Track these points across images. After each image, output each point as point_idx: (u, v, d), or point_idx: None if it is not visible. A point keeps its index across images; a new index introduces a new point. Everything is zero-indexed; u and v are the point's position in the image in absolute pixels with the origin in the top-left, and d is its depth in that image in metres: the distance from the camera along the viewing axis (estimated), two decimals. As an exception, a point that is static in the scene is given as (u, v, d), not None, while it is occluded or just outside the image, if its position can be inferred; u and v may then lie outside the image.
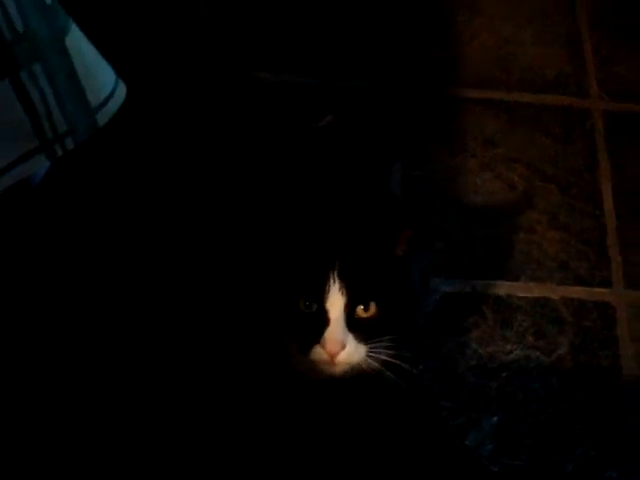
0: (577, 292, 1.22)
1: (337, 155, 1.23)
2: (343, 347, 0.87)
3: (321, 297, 0.88)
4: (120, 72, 0.89)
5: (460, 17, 1.47)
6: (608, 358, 1.17)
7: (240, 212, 1.06)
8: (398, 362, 0.92)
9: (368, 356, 0.89)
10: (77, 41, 0.82)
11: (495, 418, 1.10)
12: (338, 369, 0.89)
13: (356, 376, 0.91)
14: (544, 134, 1.36)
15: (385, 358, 0.91)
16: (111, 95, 0.86)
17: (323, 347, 0.87)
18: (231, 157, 1.13)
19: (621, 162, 1.35)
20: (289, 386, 0.93)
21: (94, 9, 1.03)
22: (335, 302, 0.88)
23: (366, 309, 0.89)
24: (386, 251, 0.92)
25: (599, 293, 1.23)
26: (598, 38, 1.47)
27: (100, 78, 0.86)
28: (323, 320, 0.88)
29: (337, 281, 0.88)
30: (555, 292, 1.22)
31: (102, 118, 0.86)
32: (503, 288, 1.21)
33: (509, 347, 1.16)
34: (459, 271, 1.22)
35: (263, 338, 0.95)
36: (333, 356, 0.87)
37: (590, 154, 1.35)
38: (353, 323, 0.88)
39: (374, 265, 0.90)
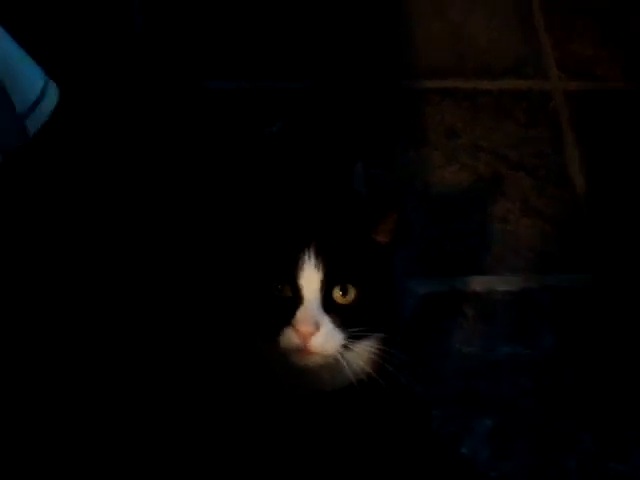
0: (558, 280, 1.17)
1: (295, 160, 1.18)
2: (317, 328, 0.79)
3: (294, 275, 0.80)
4: (55, 78, 0.80)
5: (408, 6, 1.41)
6: (597, 345, 1.12)
7: (208, 210, 1.01)
8: (382, 362, 0.85)
9: (345, 346, 0.81)
10: None
11: (488, 422, 1.05)
12: (312, 359, 0.81)
13: (340, 386, 0.84)
14: (506, 119, 1.31)
15: (368, 355, 0.84)
16: (41, 98, 0.76)
17: (295, 328, 0.79)
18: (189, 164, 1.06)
19: (587, 141, 1.30)
20: (268, 396, 0.87)
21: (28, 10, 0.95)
22: (310, 278, 0.80)
23: (344, 293, 0.81)
24: (366, 236, 0.85)
25: (581, 279, 1.17)
26: (551, 16, 1.43)
27: (26, 80, 0.76)
28: (296, 300, 0.80)
29: (313, 257, 0.80)
30: (536, 282, 1.17)
31: (33, 125, 0.77)
32: (482, 283, 1.16)
33: (494, 345, 1.10)
34: (435, 270, 1.16)
35: (241, 343, 0.88)
36: (306, 338, 0.79)
37: (555, 136, 1.31)
38: (330, 305, 0.81)
39: (353, 248, 0.83)
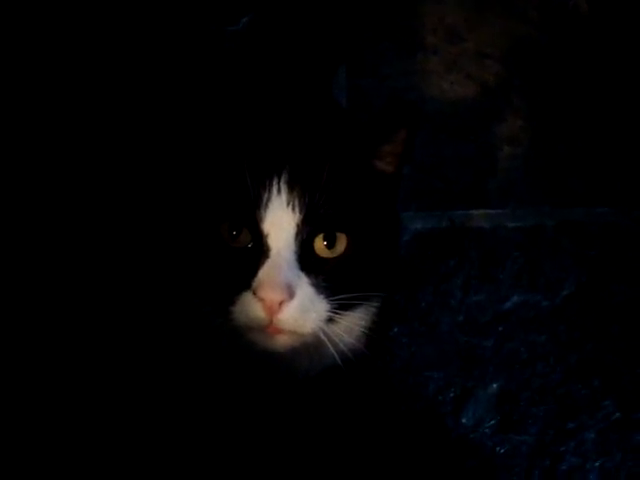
0: (578, 215, 1.00)
1: (263, 63, 0.98)
2: (290, 295, 0.57)
3: (255, 215, 0.58)
4: None
5: None
6: (623, 294, 0.96)
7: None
8: (376, 335, 0.65)
9: (330, 320, 0.59)
10: None
11: (495, 385, 0.91)
12: (283, 340, 0.59)
13: (318, 371, 0.64)
14: (519, 21, 1.12)
15: (360, 329, 0.64)
16: None
17: (256, 294, 0.57)
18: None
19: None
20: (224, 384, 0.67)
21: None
22: (280, 220, 0.58)
23: (331, 244, 0.59)
24: (363, 162, 0.63)
25: (603, 214, 0.99)
26: None
27: None
28: (259, 251, 0.58)
29: (284, 190, 0.58)
30: (551, 216, 1.00)
31: None
32: (488, 218, 0.99)
33: (503, 293, 0.95)
34: (432, 202, 0.99)
35: (189, 318, 0.67)
36: (273, 310, 0.56)
37: (576, 40, 1.11)
38: (309, 261, 0.59)
39: (344, 179, 0.60)
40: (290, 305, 0.57)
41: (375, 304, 0.64)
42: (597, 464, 0.88)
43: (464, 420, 0.87)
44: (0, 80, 0.97)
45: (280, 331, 0.58)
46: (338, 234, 0.59)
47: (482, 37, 1.10)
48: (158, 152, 0.80)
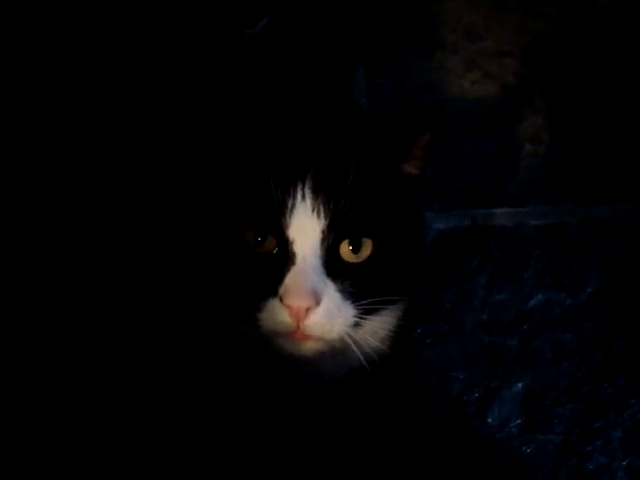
0: (601, 212, 0.99)
1: (282, 66, 0.97)
2: (316, 301, 0.56)
3: (280, 222, 0.57)
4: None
5: None
6: None
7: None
8: (401, 338, 0.65)
9: (356, 324, 0.59)
10: None
11: (520, 385, 0.90)
12: (309, 346, 0.59)
13: (344, 373, 0.64)
14: (538, 18, 1.11)
15: (384, 333, 0.63)
16: None
17: (283, 301, 0.56)
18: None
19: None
20: (251, 390, 0.67)
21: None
22: (305, 227, 0.57)
23: (357, 249, 0.59)
24: (388, 166, 0.62)
25: (626, 211, 1.00)
26: None
27: None
28: (285, 258, 0.57)
29: (309, 196, 0.57)
30: (574, 214, 0.99)
31: None
32: (510, 217, 0.99)
33: (527, 291, 0.94)
34: (454, 201, 0.99)
35: (213, 325, 0.67)
36: (300, 316, 0.56)
37: (596, 38, 1.10)
38: (335, 267, 0.58)
39: (369, 183, 0.59)
40: (317, 311, 0.57)
41: (401, 306, 0.64)
42: (624, 463, 0.87)
43: (490, 420, 0.87)
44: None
45: (307, 337, 0.58)
46: (364, 239, 0.59)
47: (501, 35, 1.09)
48: (182, 160, 0.80)
